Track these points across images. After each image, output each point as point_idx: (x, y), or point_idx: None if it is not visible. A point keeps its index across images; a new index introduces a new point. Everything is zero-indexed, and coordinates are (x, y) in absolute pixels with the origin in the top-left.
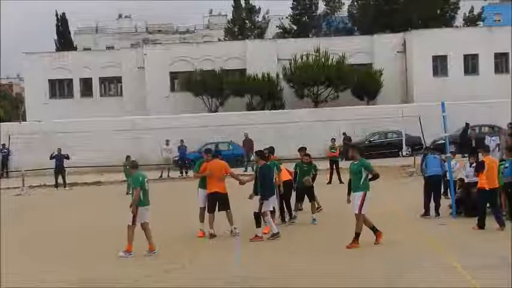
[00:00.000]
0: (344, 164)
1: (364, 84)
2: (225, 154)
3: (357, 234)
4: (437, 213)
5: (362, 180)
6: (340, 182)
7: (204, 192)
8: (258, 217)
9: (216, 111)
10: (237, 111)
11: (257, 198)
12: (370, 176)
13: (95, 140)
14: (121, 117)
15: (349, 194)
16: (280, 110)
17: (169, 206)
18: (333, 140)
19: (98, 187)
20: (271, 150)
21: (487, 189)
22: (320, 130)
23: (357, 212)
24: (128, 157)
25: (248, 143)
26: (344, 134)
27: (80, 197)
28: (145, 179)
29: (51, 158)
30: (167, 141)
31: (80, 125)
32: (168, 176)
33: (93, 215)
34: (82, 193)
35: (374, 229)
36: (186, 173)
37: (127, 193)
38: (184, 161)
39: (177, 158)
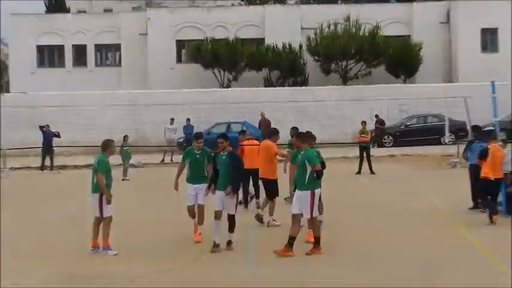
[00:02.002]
0: (376, 152)
1: (400, 59)
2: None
3: (317, 239)
4: (486, 209)
5: (307, 175)
6: (372, 172)
7: (191, 187)
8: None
9: (228, 86)
10: (253, 86)
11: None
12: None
13: (88, 116)
14: (119, 90)
15: (294, 190)
16: (302, 87)
17: (171, 196)
18: (364, 123)
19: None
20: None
21: None
22: (348, 111)
23: (309, 217)
24: (125, 137)
25: (265, 123)
26: (376, 116)
27: (69, 182)
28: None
29: (42, 131)
30: (172, 119)
31: (72, 98)
32: (172, 160)
33: (83, 204)
34: (71, 177)
35: (317, 240)
36: None
37: (123, 179)
38: (191, 143)
39: (182, 140)
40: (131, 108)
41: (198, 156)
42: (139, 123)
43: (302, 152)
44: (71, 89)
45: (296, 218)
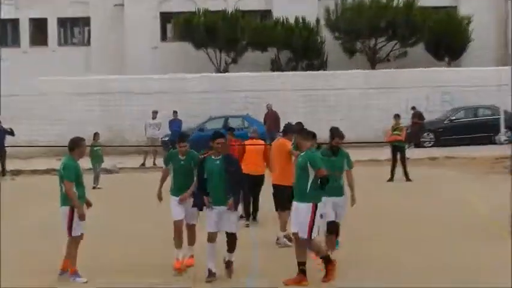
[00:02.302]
0: (413, 153)
1: (443, 37)
2: (238, 134)
3: (325, 258)
4: None
5: (309, 183)
6: (407, 178)
7: (176, 200)
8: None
9: (226, 71)
10: (257, 71)
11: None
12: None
13: (49, 108)
14: (88, 76)
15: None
16: (319, 72)
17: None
18: (397, 117)
19: (52, 177)
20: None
21: None
22: (377, 102)
23: (305, 237)
24: (96, 135)
25: (272, 117)
26: (413, 108)
27: (25, 192)
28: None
29: None
30: (154, 112)
31: (29, 85)
32: (154, 163)
33: (41, 219)
34: (28, 185)
35: (326, 259)
36: None
37: (93, 187)
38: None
39: (167, 138)
40: (104, 98)
41: (182, 162)
42: (114, 117)
43: (303, 153)
44: (27, 73)
45: (298, 237)
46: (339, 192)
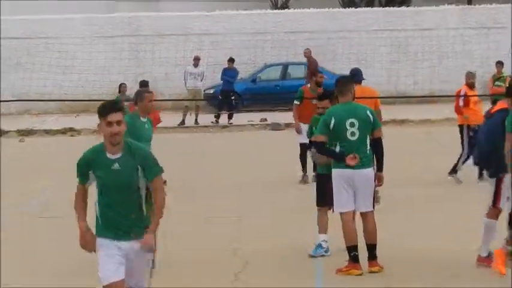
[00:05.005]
0: None
1: None
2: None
3: (372, 247)
4: None
5: (368, 141)
6: None
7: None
8: None
9: (285, 7)
10: (324, 7)
11: None
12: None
13: (66, 54)
14: (113, 13)
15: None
16: (402, 8)
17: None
18: (500, 64)
19: (70, 139)
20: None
21: None
22: (475, 46)
23: (371, 209)
24: (122, 86)
25: (312, 66)
26: None
27: (34, 159)
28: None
29: None
30: (196, 59)
31: (42, 26)
32: (197, 121)
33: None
34: (39, 150)
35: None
36: (230, 117)
37: None
38: (230, 96)
39: (212, 90)
40: (132, 41)
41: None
42: (144, 64)
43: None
44: (40, 12)
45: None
46: None
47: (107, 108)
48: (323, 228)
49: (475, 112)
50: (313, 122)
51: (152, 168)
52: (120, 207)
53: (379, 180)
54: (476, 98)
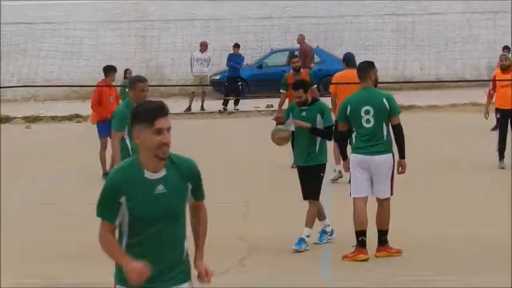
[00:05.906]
0: None
1: None
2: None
3: (382, 233)
4: None
5: (385, 128)
6: None
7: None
8: None
9: None
10: None
11: None
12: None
13: (73, 39)
14: None
15: (344, 157)
16: None
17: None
18: (506, 49)
19: (76, 126)
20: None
21: None
22: (482, 32)
23: (387, 196)
24: (127, 72)
25: (305, 53)
26: None
27: (39, 146)
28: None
29: None
30: (202, 44)
31: (49, 12)
32: (203, 107)
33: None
34: (45, 137)
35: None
36: (236, 103)
37: None
38: (237, 82)
39: (218, 76)
40: (138, 26)
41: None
42: (151, 50)
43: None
44: None
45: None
46: None
47: (153, 112)
48: (321, 215)
49: (502, 95)
50: (290, 108)
51: (202, 186)
52: (160, 246)
53: (401, 167)
54: (505, 82)
